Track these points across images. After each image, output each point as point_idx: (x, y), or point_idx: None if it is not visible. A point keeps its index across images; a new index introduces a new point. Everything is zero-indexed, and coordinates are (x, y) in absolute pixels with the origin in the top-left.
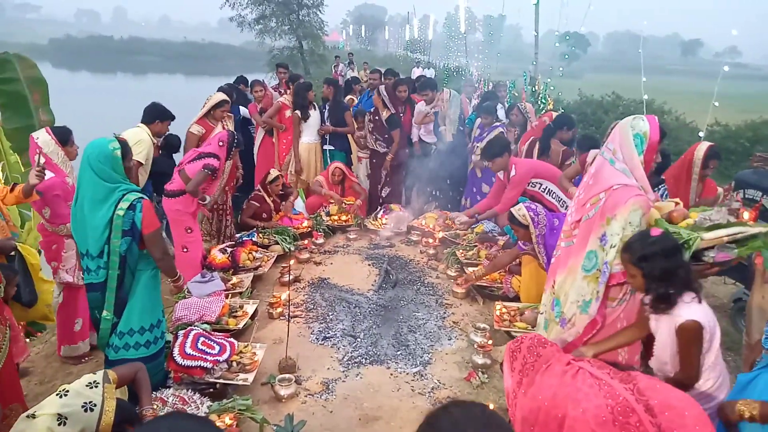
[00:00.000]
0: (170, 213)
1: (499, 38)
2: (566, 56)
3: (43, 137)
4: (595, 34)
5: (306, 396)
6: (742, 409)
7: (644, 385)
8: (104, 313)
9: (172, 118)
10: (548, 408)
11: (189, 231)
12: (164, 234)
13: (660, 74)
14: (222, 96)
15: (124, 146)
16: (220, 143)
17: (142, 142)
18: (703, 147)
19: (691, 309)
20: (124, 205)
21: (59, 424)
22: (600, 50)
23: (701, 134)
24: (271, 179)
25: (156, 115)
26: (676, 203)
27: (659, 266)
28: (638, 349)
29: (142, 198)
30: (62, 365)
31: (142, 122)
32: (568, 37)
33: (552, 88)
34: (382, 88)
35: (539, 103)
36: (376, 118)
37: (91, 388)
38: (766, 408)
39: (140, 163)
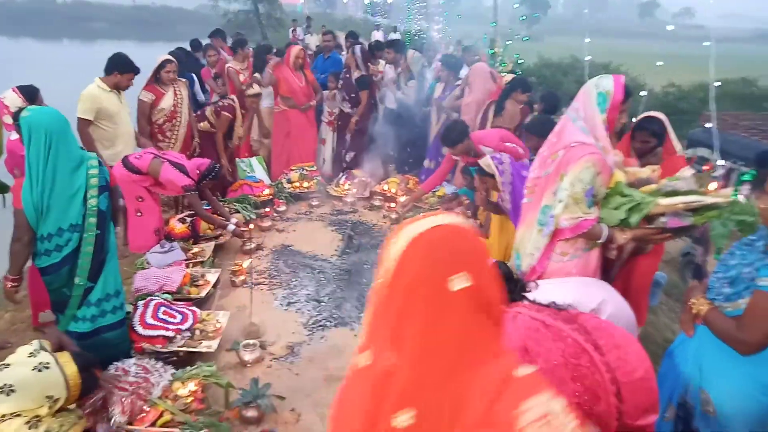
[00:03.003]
0: (123, 182)
1: (459, 0)
2: (523, 17)
3: (10, 96)
4: None
5: (271, 360)
6: (693, 302)
7: (590, 324)
8: (77, 279)
9: (135, 71)
10: None
11: (140, 200)
12: None
13: (618, 36)
14: (165, 56)
15: None
16: (198, 171)
17: (84, 97)
18: (640, 118)
19: None
20: (93, 162)
21: (4, 394)
22: (560, 12)
23: (642, 93)
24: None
25: (113, 66)
26: (653, 170)
27: None
28: None
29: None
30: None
31: (103, 75)
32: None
33: (508, 50)
34: (357, 48)
35: (498, 65)
36: (347, 76)
37: (35, 356)
38: (711, 313)
39: (86, 120)
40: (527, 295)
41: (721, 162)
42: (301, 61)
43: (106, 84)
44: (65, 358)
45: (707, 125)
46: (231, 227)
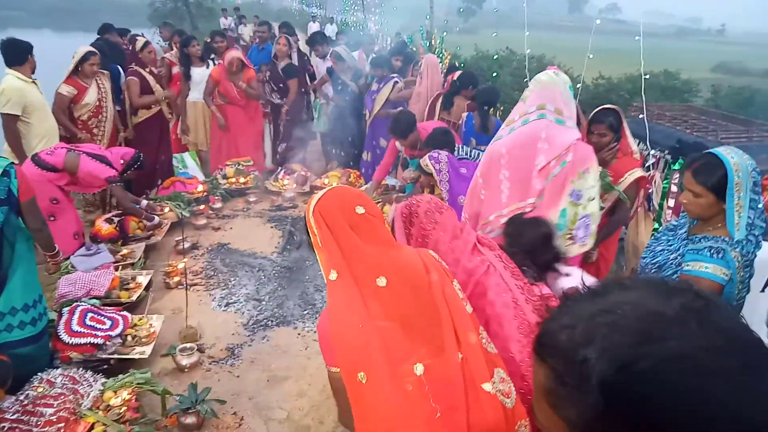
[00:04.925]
0: (34, 182)
1: None
2: (461, 10)
3: None
4: None
5: (210, 363)
6: None
7: (546, 291)
8: None
9: (32, 48)
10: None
11: (55, 202)
12: None
13: (549, 30)
14: (87, 48)
15: None
16: (122, 161)
17: (6, 90)
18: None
19: None
20: None
21: None
22: (495, 5)
23: (578, 86)
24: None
25: (24, 52)
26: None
27: None
28: None
29: (12, 164)
30: None
31: (8, 67)
32: None
33: (444, 42)
34: (292, 39)
35: (437, 57)
36: (273, 67)
37: None
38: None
39: (13, 116)
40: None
41: (652, 152)
42: (234, 69)
43: (23, 74)
44: None
45: (640, 116)
46: (144, 203)
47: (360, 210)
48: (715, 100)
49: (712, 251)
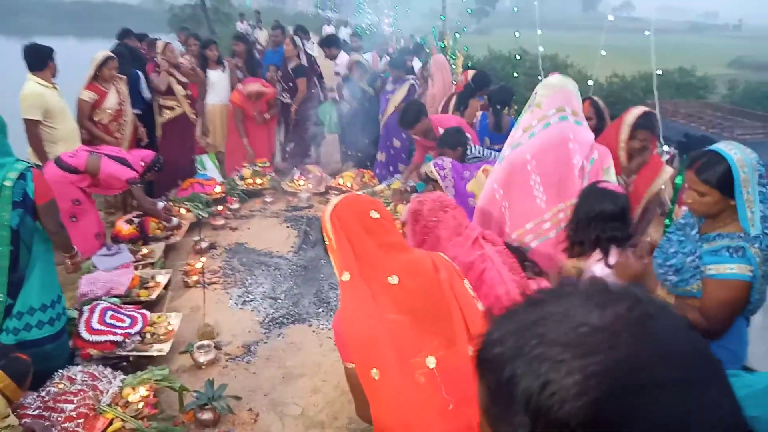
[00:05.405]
0: (57, 184)
1: None
2: (470, 11)
3: None
4: None
5: (227, 360)
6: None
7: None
8: None
9: (53, 53)
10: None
11: (77, 203)
12: None
13: (562, 29)
14: (105, 52)
15: None
16: (142, 162)
17: (27, 96)
18: (634, 113)
19: None
20: (12, 174)
21: None
22: (508, 6)
23: (590, 83)
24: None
25: (44, 57)
26: None
27: None
28: None
29: (30, 167)
30: None
31: (31, 72)
32: None
33: (458, 43)
34: (298, 39)
35: (450, 57)
36: (284, 67)
37: None
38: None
39: (34, 121)
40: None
41: (666, 148)
42: (254, 99)
43: (44, 80)
44: None
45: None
46: (161, 204)
47: (374, 215)
48: (732, 96)
49: (731, 250)
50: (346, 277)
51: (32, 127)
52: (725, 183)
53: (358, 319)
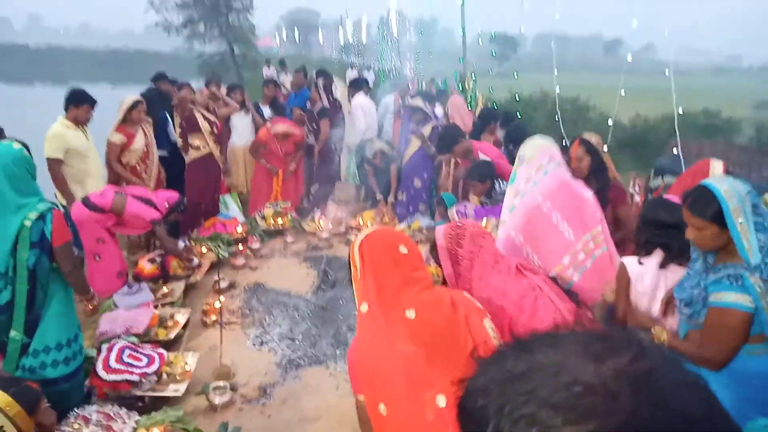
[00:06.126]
0: (83, 222)
1: (431, 40)
2: (493, 53)
3: None
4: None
5: (243, 403)
6: (656, 331)
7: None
8: (12, 333)
9: (90, 102)
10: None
11: (101, 242)
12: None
13: (584, 72)
14: (134, 97)
15: (25, 145)
16: (167, 204)
17: (49, 136)
18: (718, 166)
19: None
20: (32, 215)
21: None
22: (530, 51)
23: (610, 123)
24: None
25: (68, 100)
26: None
27: None
28: None
29: (52, 208)
30: None
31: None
32: (495, 37)
33: (477, 85)
34: (320, 80)
35: (469, 100)
36: (311, 108)
37: None
38: (671, 342)
39: (57, 160)
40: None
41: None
42: (281, 138)
43: (69, 120)
44: (12, 410)
45: (674, 151)
46: (181, 244)
47: (403, 249)
48: (760, 139)
49: (730, 278)
50: (364, 308)
51: (54, 166)
52: (719, 215)
53: (371, 351)
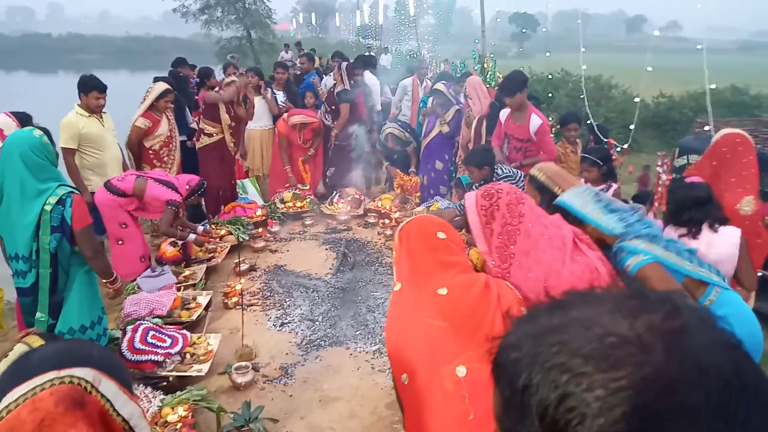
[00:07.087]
0: (106, 207)
1: (449, 21)
2: (523, 29)
3: (3, 120)
4: (544, 14)
5: (264, 382)
6: None
7: None
8: (38, 314)
9: (98, 87)
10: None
11: (124, 226)
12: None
13: (607, 51)
14: (164, 85)
15: (46, 132)
16: (187, 186)
17: (62, 125)
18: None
19: None
20: (52, 200)
21: None
22: (550, 30)
23: (636, 100)
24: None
25: (78, 89)
26: None
27: None
28: None
29: (71, 192)
30: None
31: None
32: (516, 17)
33: (496, 66)
34: (344, 64)
35: (488, 81)
36: (330, 89)
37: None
38: None
39: (70, 149)
40: None
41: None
42: (298, 129)
43: (82, 108)
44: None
45: (705, 128)
46: (191, 237)
47: (441, 235)
48: None
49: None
50: (397, 287)
51: (66, 155)
52: (573, 220)
53: (397, 326)
